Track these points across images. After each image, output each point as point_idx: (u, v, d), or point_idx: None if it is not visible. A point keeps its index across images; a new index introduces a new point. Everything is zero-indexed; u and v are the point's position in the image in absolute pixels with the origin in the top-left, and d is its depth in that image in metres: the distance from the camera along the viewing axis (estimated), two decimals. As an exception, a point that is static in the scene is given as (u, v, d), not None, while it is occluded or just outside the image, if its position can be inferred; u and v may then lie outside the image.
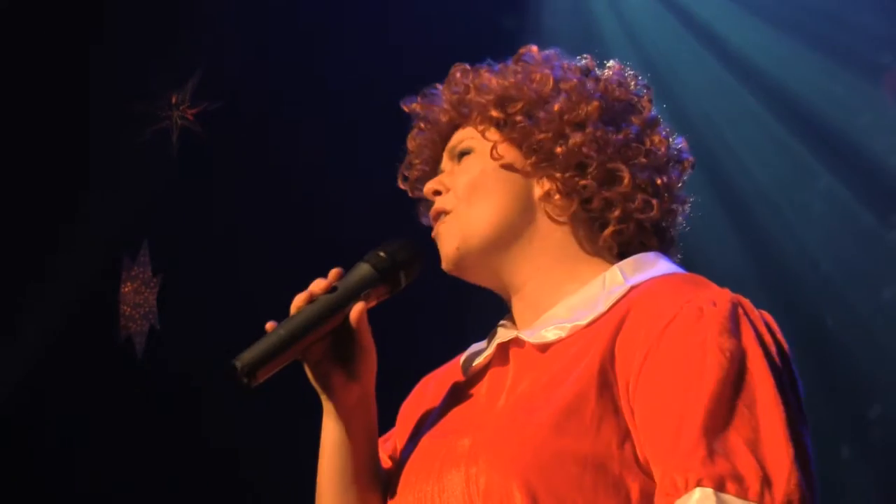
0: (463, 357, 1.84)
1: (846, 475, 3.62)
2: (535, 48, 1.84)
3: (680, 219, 1.82)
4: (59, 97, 4.17)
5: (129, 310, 4.23)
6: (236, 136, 4.08)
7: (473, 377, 1.79)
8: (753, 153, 3.79)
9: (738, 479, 1.50)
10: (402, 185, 1.91)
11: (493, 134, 1.79)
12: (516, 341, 1.74)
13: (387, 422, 1.88)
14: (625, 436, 1.60)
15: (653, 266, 1.73)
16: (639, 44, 3.88)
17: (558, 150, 1.74)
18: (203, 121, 4.13)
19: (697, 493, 1.49)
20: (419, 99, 1.86)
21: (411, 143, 1.88)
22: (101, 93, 4.15)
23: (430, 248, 1.81)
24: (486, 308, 1.89)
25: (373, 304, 1.74)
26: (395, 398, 1.91)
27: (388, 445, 1.86)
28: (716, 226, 3.69)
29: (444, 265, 1.78)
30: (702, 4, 3.86)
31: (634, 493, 1.58)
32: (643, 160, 1.77)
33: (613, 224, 1.75)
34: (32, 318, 4.23)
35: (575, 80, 1.78)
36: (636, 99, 1.81)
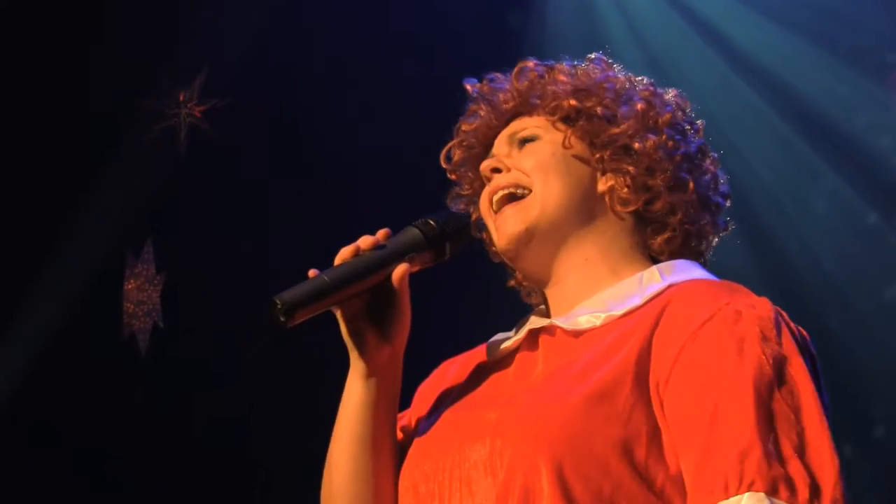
0: (490, 342, 1.85)
1: (848, 474, 3.62)
2: (604, 59, 1.88)
3: (715, 241, 1.86)
4: (66, 94, 4.18)
5: (132, 307, 4.24)
6: (244, 134, 4.08)
7: (500, 360, 1.80)
8: (757, 151, 3.79)
9: (790, 485, 1.51)
10: (444, 164, 1.91)
11: (561, 125, 1.81)
12: (548, 329, 1.76)
13: (404, 402, 1.87)
14: (654, 428, 1.60)
15: (690, 271, 1.76)
16: (643, 40, 3.88)
17: (636, 145, 1.78)
18: (211, 118, 4.14)
19: (748, 496, 1.50)
20: (484, 82, 1.87)
21: (466, 125, 1.88)
22: (109, 90, 4.15)
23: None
24: (510, 297, 1.90)
25: (416, 269, 1.76)
26: (412, 381, 1.91)
27: (404, 424, 1.85)
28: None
29: (505, 244, 1.79)
30: (706, 2, 3.87)
31: (658, 482, 1.59)
32: (705, 176, 1.82)
33: (671, 229, 1.79)
34: (36, 314, 4.23)
35: (650, 90, 1.84)
36: (690, 121, 1.87)
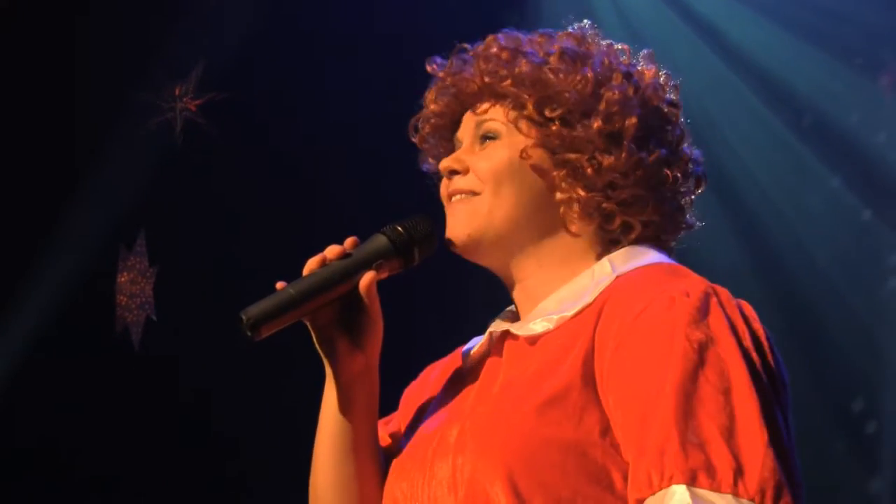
0: (465, 348, 1.84)
1: (841, 468, 3.64)
2: (579, 34, 1.81)
3: (682, 235, 1.82)
4: (62, 86, 4.17)
5: (125, 300, 4.23)
6: (239, 128, 4.08)
7: (471, 368, 1.79)
8: (751, 148, 3.80)
9: (711, 472, 1.49)
10: (412, 137, 1.89)
11: (524, 126, 1.76)
12: (509, 333, 1.74)
13: (389, 407, 1.88)
14: (606, 426, 1.59)
15: (642, 256, 1.73)
16: (638, 37, 3.88)
17: (589, 170, 1.73)
18: (206, 112, 4.13)
19: (670, 490, 1.49)
20: (450, 59, 1.82)
21: (432, 101, 1.84)
22: (105, 82, 4.15)
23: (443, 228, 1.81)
24: (490, 296, 1.89)
25: (384, 275, 1.74)
26: (398, 383, 1.91)
27: (391, 427, 1.85)
28: (711, 220, 3.69)
29: (450, 244, 1.77)
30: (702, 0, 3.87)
31: (617, 482, 1.58)
32: (667, 186, 1.76)
33: (626, 243, 1.75)
34: (29, 307, 4.23)
35: (618, 93, 1.74)
36: (668, 109, 1.79)
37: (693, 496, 1.48)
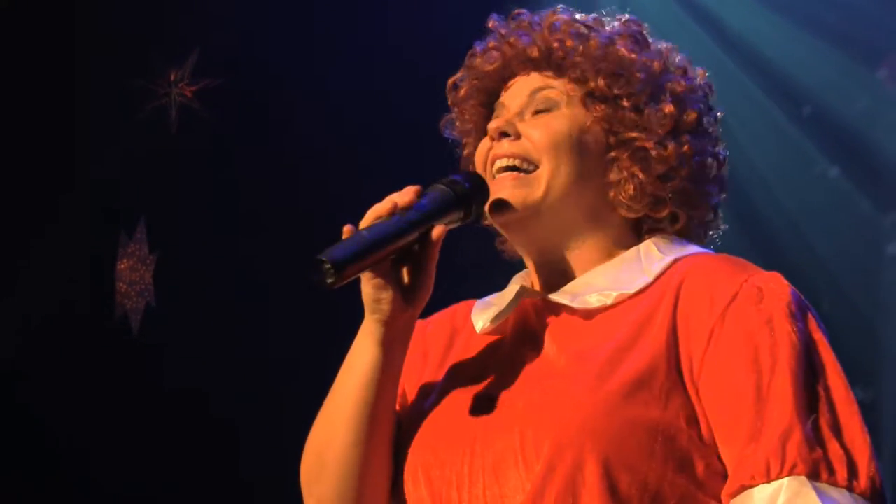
0: (475, 311, 1.77)
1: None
2: (637, 22, 1.79)
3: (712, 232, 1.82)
4: (57, 73, 4.16)
5: (124, 287, 4.23)
6: (235, 114, 4.07)
7: (499, 335, 1.74)
8: (750, 136, 3.79)
9: (829, 467, 1.52)
10: (448, 94, 1.83)
11: (586, 101, 1.72)
12: (550, 305, 1.70)
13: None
14: (691, 413, 1.58)
15: (688, 246, 1.73)
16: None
17: (654, 153, 1.71)
18: (202, 98, 4.13)
19: (790, 480, 1.51)
20: (510, 22, 1.78)
21: (481, 59, 1.79)
22: (100, 68, 4.14)
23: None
24: (479, 254, 1.86)
25: (450, 228, 1.69)
26: None
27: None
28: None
29: (496, 215, 1.71)
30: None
31: (700, 470, 1.57)
32: (711, 185, 1.77)
33: (669, 232, 1.74)
34: (27, 293, 4.23)
35: (683, 83, 1.75)
36: (711, 111, 1.80)
37: (814, 488, 1.50)
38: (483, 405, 1.65)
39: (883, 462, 3.59)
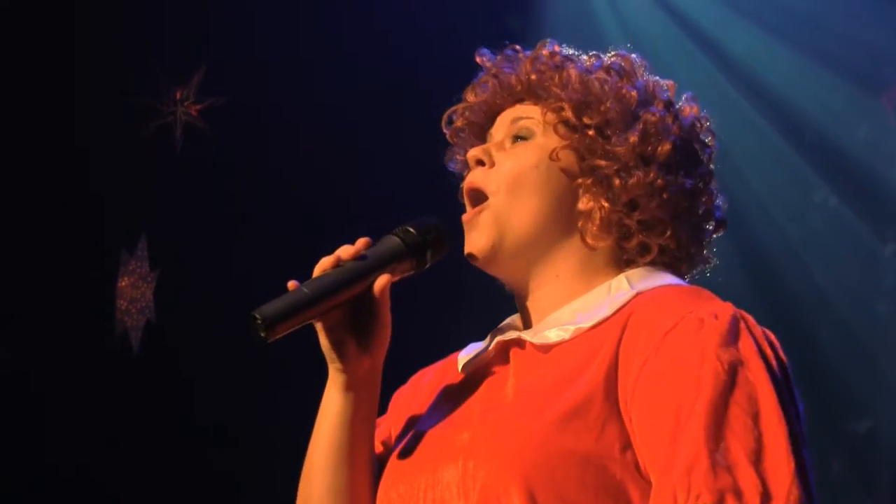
0: (461, 354, 1.83)
1: (837, 490, 3.64)
2: (631, 56, 1.82)
3: (699, 267, 1.82)
4: (62, 88, 4.17)
5: (125, 304, 4.23)
6: (239, 134, 4.08)
7: (472, 375, 1.78)
8: (752, 163, 3.80)
9: (738, 495, 1.48)
10: (444, 128, 1.88)
11: (560, 129, 1.76)
12: (517, 342, 1.73)
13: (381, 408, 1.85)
14: (627, 442, 1.59)
15: (660, 277, 1.73)
16: (640, 50, 3.89)
17: (616, 182, 1.73)
18: (207, 117, 4.14)
19: None
20: (498, 56, 1.83)
21: (471, 93, 1.84)
22: (106, 85, 4.15)
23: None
24: (485, 302, 1.89)
25: (396, 278, 1.73)
26: (391, 384, 1.89)
27: (381, 431, 1.83)
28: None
29: (470, 254, 1.76)
30: (705, 14, 3.88)
31: (635, 499, 1.57)
32: (688, 217, 1.76)
33: (640, 264, 1.75)
34: (28, 310, 4.23)
35: (658, 115, 1.76)
36: (700, 147, 1.80)
37: None
38: (437, 441, 1.71)
39: (881, 491, 3.59)
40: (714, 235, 1.81)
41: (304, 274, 1.73)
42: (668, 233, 1.74)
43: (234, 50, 4.07)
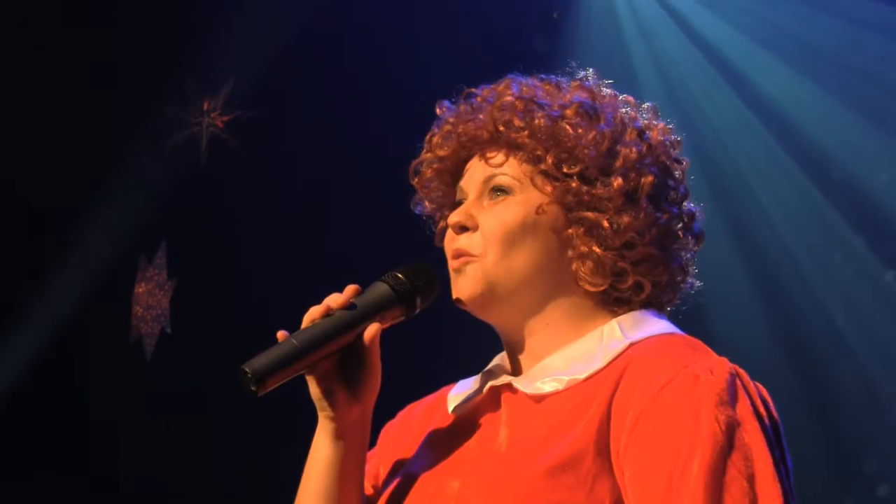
0: (451, 393, 1.81)
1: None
2: (590, 86, 1.78)
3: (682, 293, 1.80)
4: (91, 94, 4.19)
5: (141, 310, 4.24)
6: (265, 146, 4.09)
7: (463, 418, 1.76)
8: (776, 201, 3.79)
9: None
10: (413, 181, 1.85)
11: (539, 181, 1.73)
12: (509, 386, 1.72)
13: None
14: (618, 498, 1.58)
15: (652, 325, 1.71)
16: (670, 85, 3.89)
17: (606, 226, 1.71)
18: (233, 129, 4.15)
19: None
20: (460, 103, 1.80)
21: (437, 145, 1.81)
22: (134, 93, 4.17)
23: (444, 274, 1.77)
24: (481, 337, 1.87)
25: (387, 325, 1.71)
26: (380, 415, 1.87)
27: (370, 468, 1.81)
28: (730, 269, 3.68)
29: (458, 301, 1.73)
30: (729, 45, 3.88)
31: None
32: (676, 244, 1.75)
33: (635, 303, 1.73)
34: (45, 312, 4.24)
35: (635, 149, 1.73)
36: (675, 166, 1.78)
37: None
38: (429, 486, 1.69)
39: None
40: (696, 248, 1.79)
41: (319, 294, 1.71)
42: (661, 266, 1.73)
43: (265, 64, 4.08)
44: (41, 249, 4.22)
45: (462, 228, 1.74)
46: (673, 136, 1.79)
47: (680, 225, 1.76)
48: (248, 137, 4.12)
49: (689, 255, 1.78)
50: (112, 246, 4.24)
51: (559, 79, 1.80)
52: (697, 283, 1.80)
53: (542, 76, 1.80)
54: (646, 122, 1.78)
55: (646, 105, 1.81)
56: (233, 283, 4.05)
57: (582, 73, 1.80)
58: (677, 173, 1.78)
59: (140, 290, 4.25)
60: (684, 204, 1.77)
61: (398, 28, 3.99)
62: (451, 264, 1.75)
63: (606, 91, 1.79)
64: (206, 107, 4.20)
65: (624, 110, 1.78)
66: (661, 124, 1.79)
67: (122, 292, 4.25)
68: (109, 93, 4.19)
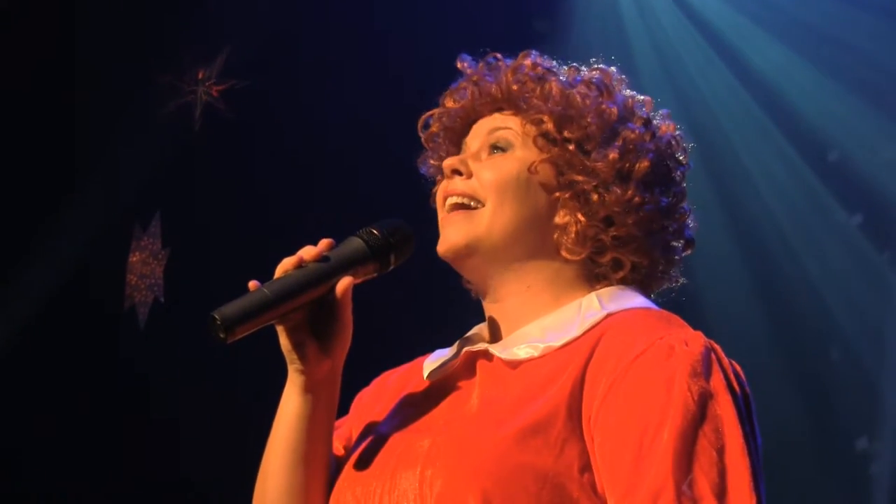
0: (427, 360, 1.82)
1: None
2: (611, 71, 1.82)
3: (666, 285, 1.82)
4: (86, 62, 4.18)
5: (135, 279, 4.24)
6: (259, 116, 4.08)
7: (438, 383, 1.78)
8: (771, 181, 3.80)
9: None
10: (420, 132, 1.87)
11: (539, 142, 1.76)
12: (485, 353, 1.74)
13: (342, 409, 1.84)
14: (586, 462, 1.60)
15: (630, 299, 1.73)
16: (665, 61, 3.89)
17: (594, 197, 1.74)
18: (227, 98, 4.14)
19: None
20: (480, 62, 1.83)
21: (451, 102, 1.83)
22: (128, 61, 4.16)
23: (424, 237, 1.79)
24: (460, 305, 1.87)
25: (359, 280, 1.71)
26: (354, 385, 1.88)
27: (342, 433, 1.83)
28: (723, 250, 3.69)
29: (443, 251, 1.76)
30: (732, 27, 3.88)
31: None
32: (661, 235, 1.77)
33: (612, 280, 1.76)
34: (39, 278, 4.24)
35: (637, 132, 1.77)
36: (676, 165, 1.81)
37: None
38: (397, 446, 1.70)
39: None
40: (686, 253, 1.81)
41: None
42: (642, 250, 1.75)
43: (261, 34, 4.07)
44: (31, 218, 4.22)
45: (455, 172, 1.77)
46: (681, 138, 1.82)
47: (671, 218, 1.78)
48: (243, 107, 4.11)
49: (677, 254, 1.80)
50: (106, 213, 4.23)
51: (580, 66, 1.84)
52: (682, 280, 1.82)
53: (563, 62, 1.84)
54: (656, 118, 1.82)
55: (663, 111, 1.84)
56: (223, 252, 4.05)
57: (606, 66, 1.83)
58: (677, 174, 1.80)
59: (134, 258, 4.25)
60: (680, 203, 1.80)
61: (398, 8, 3.98)
62: (441, 212, 1.78)
63: (625, 87, 1.83)
64: (201, 75, 4.19)
65: (639, 98, 1.82)
66: (672, 125, 1.82)
67: (116, 260, 4.25)
68: (104, 61, 4.18)
